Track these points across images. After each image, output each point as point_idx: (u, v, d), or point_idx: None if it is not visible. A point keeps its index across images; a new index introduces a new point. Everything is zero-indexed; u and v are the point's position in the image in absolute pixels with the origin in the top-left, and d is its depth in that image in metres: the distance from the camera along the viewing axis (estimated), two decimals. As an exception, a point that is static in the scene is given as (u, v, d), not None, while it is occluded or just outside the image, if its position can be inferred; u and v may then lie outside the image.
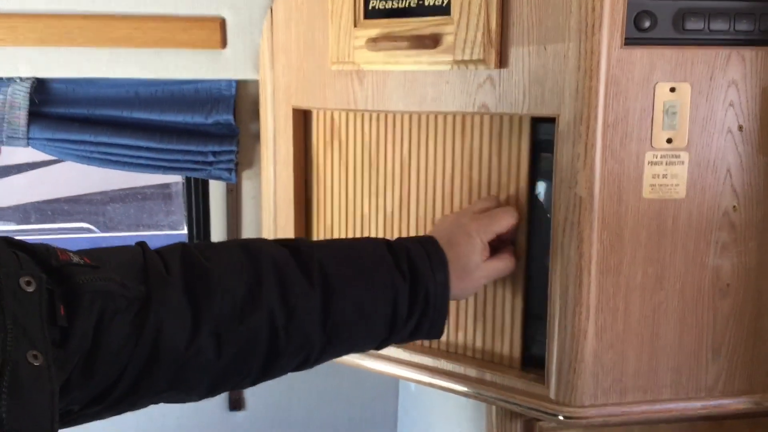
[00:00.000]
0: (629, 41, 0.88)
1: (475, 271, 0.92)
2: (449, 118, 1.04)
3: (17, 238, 0.67)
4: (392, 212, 1.11)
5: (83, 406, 0.70)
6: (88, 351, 0.67)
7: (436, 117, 1.05)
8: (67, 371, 0.66)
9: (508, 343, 1.03)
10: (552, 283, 0.95)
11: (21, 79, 1.25)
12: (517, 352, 1.03)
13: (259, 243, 0.84)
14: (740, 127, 0.91)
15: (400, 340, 0.90)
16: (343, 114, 1.14)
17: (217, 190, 1.44)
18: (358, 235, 1.16)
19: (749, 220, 0.93)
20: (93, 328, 0.67)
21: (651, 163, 0.91)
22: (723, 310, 0.96)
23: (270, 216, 1.26)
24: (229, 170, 1.33)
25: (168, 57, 1.27)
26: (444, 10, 0.97)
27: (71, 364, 0.66)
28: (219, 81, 1.31)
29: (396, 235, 1.08)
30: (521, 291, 1.01)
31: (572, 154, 0.90)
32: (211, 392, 0.78)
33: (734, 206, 0.93)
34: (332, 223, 1.19)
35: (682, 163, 0.91)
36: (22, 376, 0.56)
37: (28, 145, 1.26)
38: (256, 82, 1.31)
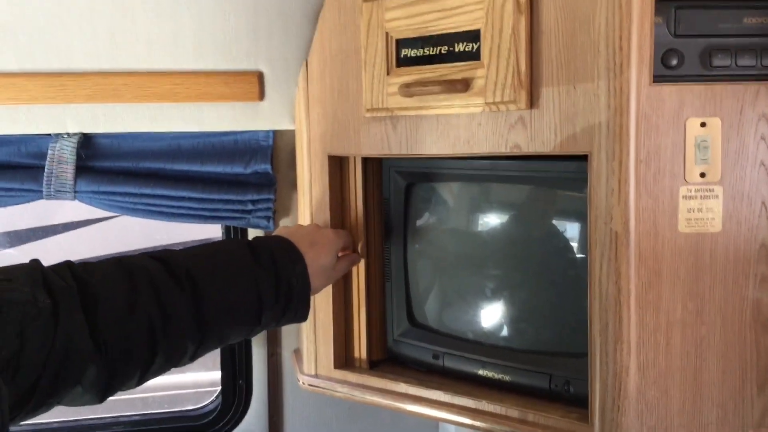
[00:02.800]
0: (658, 78, 0.90)
1: (330, 269, 1.11)
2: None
3: None
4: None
5: (11, 408, 0.76)
6: (10, 358, 0.75)
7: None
8: None
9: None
10: (591, 320, 0.95)
11: (69, 134, 1.30)
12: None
13: (132, 258, 0.94)
14: (773, 160, 0.92)
15: (269, 328, 1.05)
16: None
17: (255, 239, 1.46)
18: None
19: (788, 252, 0.93)
20: (16, 335, 0.75)
21: (685, 197, 0.91)
22: (766, 344, 0.94)
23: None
24: (267, 218, 1.36)
25: (209, 110, 1.32)
26: (474, 56, 1.00)
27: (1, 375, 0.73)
28: (257, 132, 1.35)
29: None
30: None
31: (606, 190, 0.91)
32: (107, 391, 0.88)
33: (772, 238, 0.93)
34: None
35: (717, 196, 0.92)
36: None
37: (75, 198, 1.31)
38: (292, 132, 1.35)
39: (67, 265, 0.89)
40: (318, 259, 1.07)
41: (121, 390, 0.91)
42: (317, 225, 1.18)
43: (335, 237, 1.13)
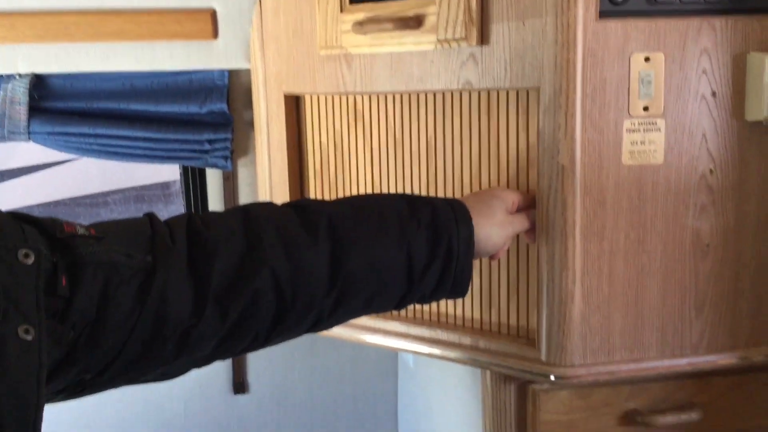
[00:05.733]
0: (604, 14, 0.92)
1: (499, 224, 0.92)
2: (474, 96, 1.04)
3: (24, 212, 0.70)
4: (419, 193, 1.12)
5: (95, 374, 0.72)
6: (93, 321, 0.68)
7: (460, 95, 1.05)
8: (66, 344, 0.67)
9: (504, 312, 1.07)
10: (539, 249, 0.99)
11: (20, 75, 1.29)
12: (512, 320, 1.07)
13: (261, 205, 0.84)
14: (713, 93, 0.95)
15: (421, 297, 0.88)
16: (366, 96, 1.15)
17: (214, 179, 1.47)
18: None
19: (726, 183, 0.97)
20: (97, 299, 0.68)
21: (629, 130, 0.95)
22: (704, 270, 1.00)
23: (266, 198, 1.30)
24: (225, 158, 1.37)
25: (161, 49, 1.31)
26: (426, -8, 1.01)
27: (72, 337, 0.67)
28: (212, 71, 1.35)
29: None
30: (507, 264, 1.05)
31: (554, 125, 0.94)
32: (219, 356, 0.80)
33: (711, 169, 0.97)
34: None
35: (659, 129, 0.95)
36: (9, 351, 0.58)
37: (29, 139, 1.30)
38: (248, 71, 1.34)
39: (188, 215, 0.79)
40: (489, 225, 0.90)
41: (235, 354, 0.81)
42: (496, 189, 0.99)
43: (512, 199, 0.96)
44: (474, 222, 0.88)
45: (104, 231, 0.72)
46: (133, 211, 4.28)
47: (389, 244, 0.83)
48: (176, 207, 4.17)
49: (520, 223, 0.97)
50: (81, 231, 0.69)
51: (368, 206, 0.87)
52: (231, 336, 0.77)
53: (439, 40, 1.00)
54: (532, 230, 0.99)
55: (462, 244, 0.86)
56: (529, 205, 1.00)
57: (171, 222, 0.77)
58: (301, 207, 0.83)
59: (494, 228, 0.91)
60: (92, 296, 0.67)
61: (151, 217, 0.77)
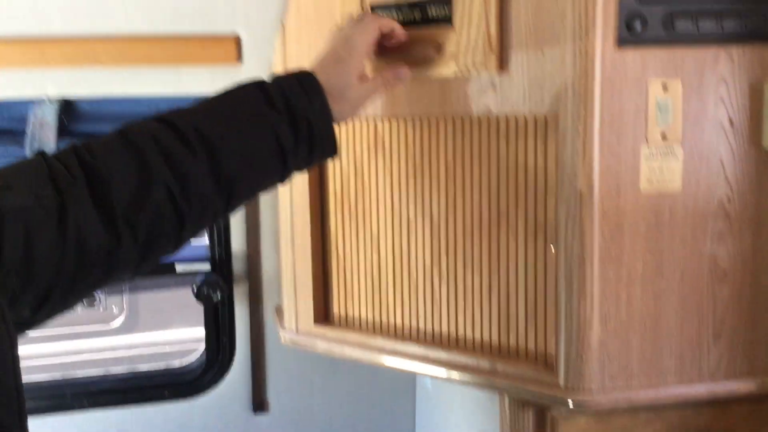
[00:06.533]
0: (622, 42, 0.93)
1: (349, 92, 0.99)
2: (493, 122, 1.06)
3: None
4: (438, 218, 1.14)
5: (32, 311, 0.77)
6: (24, 262, 0.73)
7: (479, 120, 1.07)
8: (7, 289, 0.72)
9: (522, 336, 1.08)
10: (558, 275, 0.99)
11: (50, 99, 1.32)
12: (530, 344, 1.07)
13: (135, 127, 0.89)
14: (731, 121, 0.96)
15: (299, 168, 0.98)
16: (386, 122, 1.17)
17: (236, 200, 1.49)
18: (404, 243, 1.19)
19: (743, 209, 0.98)
20: (22, 243, 0.73)
21: (647, 157, 0.96)
22: (722, 296, 1.00)
23: (287, 222, 1.31)
24: (248, 180, 1.39)
25: (187, 74, 1.34)
26: (446, 20, 1.03)
27: (11, 283, 0.72)
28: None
29: (444, 242, 1.13)
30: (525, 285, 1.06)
31: (572, 151, 0.95)
32: (142, 266, 0.86)
33: (728, 196, 0.97)
34: (378, 228, 1.22)
35: (677, 156, 0.96)
36: None
37: (57, 161, 1.33)
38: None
39: (73, 149, 0.83)
40: (330, 79, 0.97)
41: (157, 261, 0.90)
42: (351, 25, 1.03)
43: (348, 50, 1.00)
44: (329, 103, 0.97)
45: (6, 179, 0.77)
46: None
47: (258, 137, 0.92)
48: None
49: (375, 90, 1.03)
50: None
51: (229, 107, 0.94)
52: (148, 248, 0.84)
53: (459, 67, 1.02)
54: (392, 82, 1.05)
55: (319, 115, 0.95)
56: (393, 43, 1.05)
57: (61, 157, 0.82)
58: (170, 122, 0.89)
59: (345, 106, 0.99)
60: (18, 242, 0.73)
61: (43, 154, 0.82)
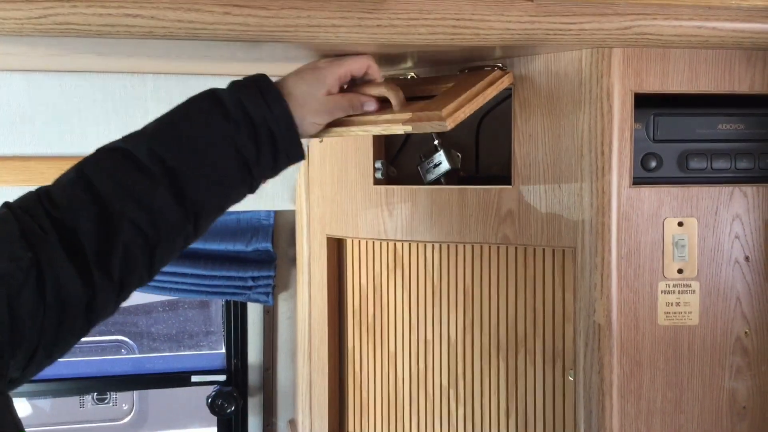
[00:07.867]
0: (638, 181, 0.96)
1: (321, 97, 0.95)
2: (511, 249, 1.09)
3: None
4: (456, 339, 1.16)
5: (21, 371, 0.76)
6: (10, 327, 0.73)
7: (498, 248, 1.10)
8: (3, 359, 0.72)
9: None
10: (576, 405, 0.99)
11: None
12: (545, 473, 1.06)
13: (94, 164, 0.86)
14: (747, 258, 0.98)
15: (267, 177, 0.94)
16: (406, 243, 1.20)
17: (254, 311, 1.51)
18: (422, 362, 1.20)
19: (761, 345, 0.98)
20: (6, 310, 0.73)
21: (664, 292, 0.97)
22: (742, 432, 0.99)
23: (305, 336, 1.33)
24: (267, 294, 1.41)
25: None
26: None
27: (2, 350, 0.72)
28: (259, 211, 1.41)
29: (461, 364, 1.14)
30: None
31: (590, 284, 0.97)
32: (119, 302, 0.85)
33: (746, 332, 0.98)
34: (395, 347, 1.23)
35: (694, 291, 0.97)
36: None
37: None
38: (292, 212, 1.40)
39: (37, 197, 0.82)
40: (299, 85, 0.94)
41: (131, 292, 0.88)
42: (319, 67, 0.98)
43: (327, 64, 0.97)
44: (291, 109, 0.92)
45: None
46: (175, 325, 4.34)
47: (217, 153, 0.88)
48: (215, 325, 4.22)
49: (339, 108, 0.97)
50: None
51: (185, 124, 0.89)
52: (123, 286, 0.83)
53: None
54: (357, 106, 0.99)
55: (279, 121, 0.90)
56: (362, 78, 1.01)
57: (28, 208, 0.81)
58: (126, 151, 0.86)
59: (307, 113, 0.94)
60: (2, 308, 0.73)
61: (9, 208, 0.81)
